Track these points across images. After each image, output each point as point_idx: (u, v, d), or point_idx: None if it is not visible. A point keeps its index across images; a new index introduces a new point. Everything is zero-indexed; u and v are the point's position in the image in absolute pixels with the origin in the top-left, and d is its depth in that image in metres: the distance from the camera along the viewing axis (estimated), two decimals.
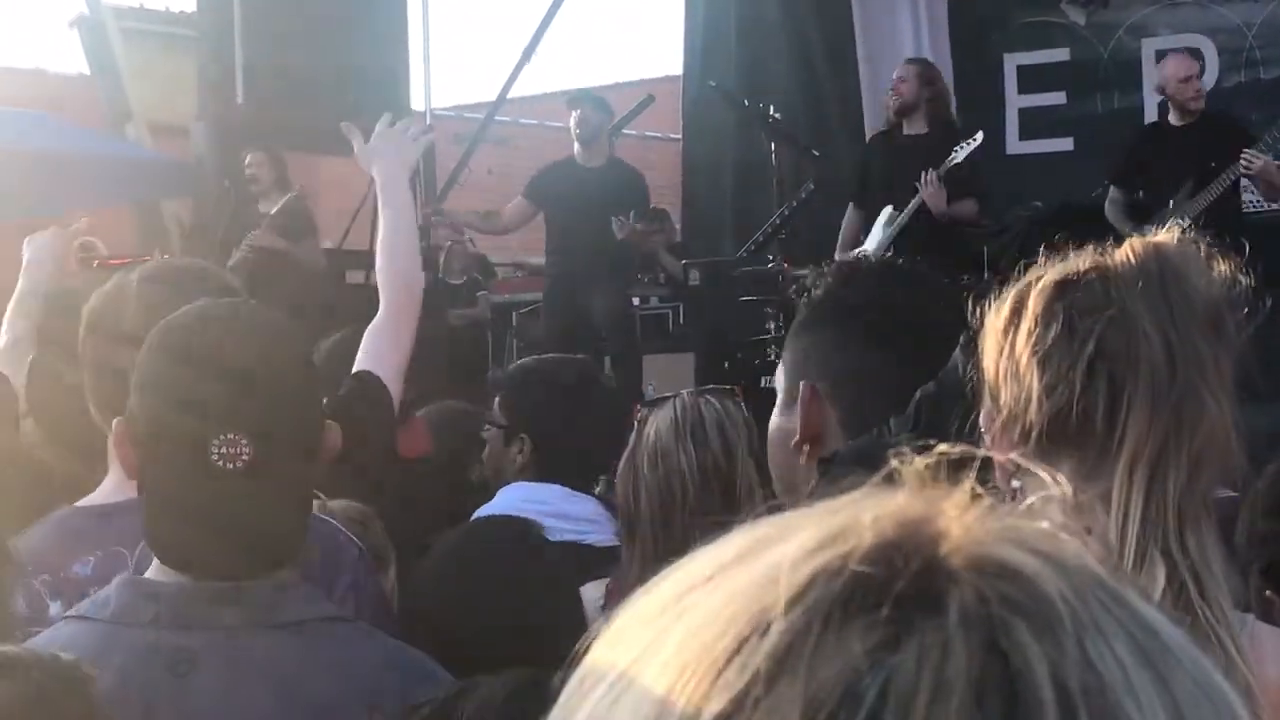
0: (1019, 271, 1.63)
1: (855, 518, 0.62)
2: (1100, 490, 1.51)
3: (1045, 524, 0.64)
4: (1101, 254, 1.58)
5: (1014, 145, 12.03)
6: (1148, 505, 1.48)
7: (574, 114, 9.73)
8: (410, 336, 3.25)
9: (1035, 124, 11.98)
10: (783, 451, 2.16)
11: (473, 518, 3.36)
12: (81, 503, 2.56)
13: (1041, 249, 1.63)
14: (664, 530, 2.83)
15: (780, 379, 2.20)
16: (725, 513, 2.76)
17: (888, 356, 2.08)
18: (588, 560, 3.20)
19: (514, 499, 3.41)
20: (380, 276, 3.31)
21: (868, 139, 9.75)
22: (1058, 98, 11.93)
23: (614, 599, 2.92)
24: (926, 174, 8.33)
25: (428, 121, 10.77)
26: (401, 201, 3.45)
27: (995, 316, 1.60)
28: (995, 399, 1.59)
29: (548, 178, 9.74)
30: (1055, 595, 0.59)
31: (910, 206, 8.46)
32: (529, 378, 3.63)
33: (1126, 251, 1.56)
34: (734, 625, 0.60)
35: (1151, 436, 1.49)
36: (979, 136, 8.68)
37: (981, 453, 0.69)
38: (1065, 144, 11.88)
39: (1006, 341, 1.58)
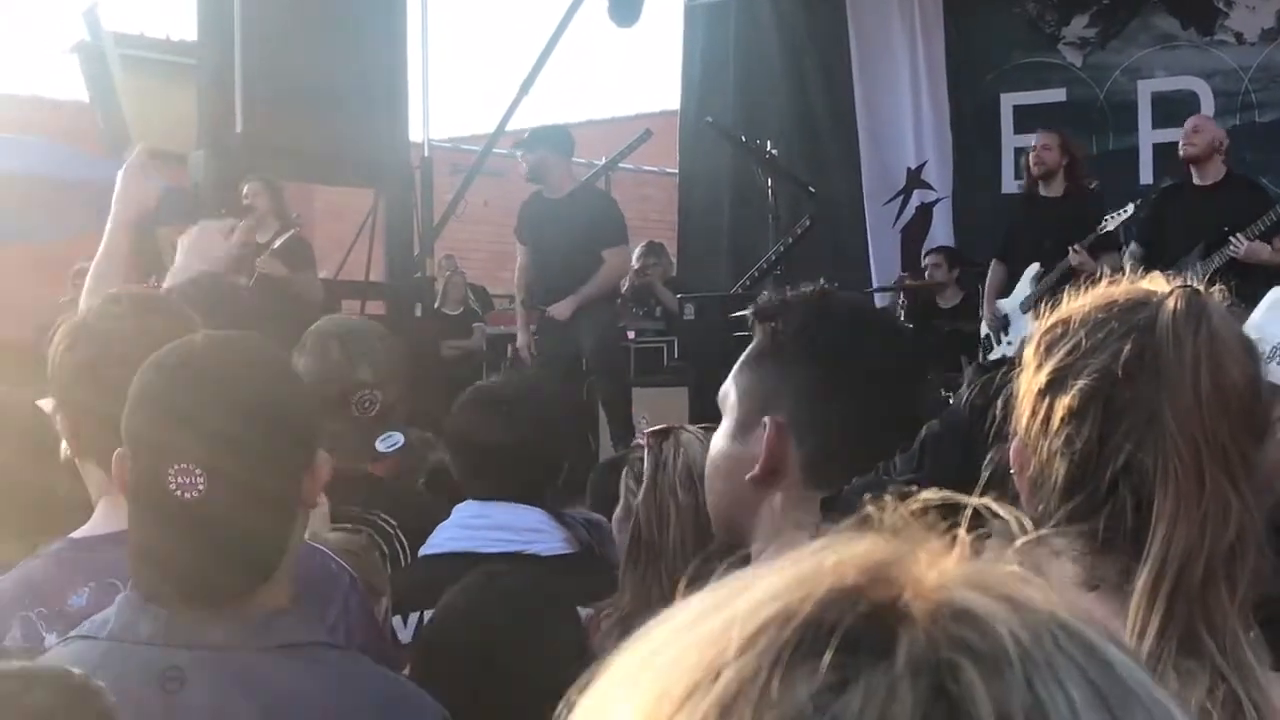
0: (1046, 306, 1.63)
1: (818, 564, 0.62)
2: (1120, 569, 1.52)
3: (1014, 568, 0.63)
4: (1143, 318, 1.54)
5: (1010, 185, 12.07)
6: (1169, 612, 1.48)
7: (521, 163, 9.70)
8: None
9: None
10: (729, 481, 2.11)
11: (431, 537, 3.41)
12: (75, 534, 2.57)
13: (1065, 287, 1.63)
14: (690, 560, 2.81)
15: (730, 402, 2.14)
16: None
17: (854, 399, 2.06)
18: (532, 569, 3.23)
19: (459, 517, 3.44)
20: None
21: (1017, 201, 10.23)
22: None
23: (603, 625, 2.92)
24: (1073, 247, 8.90)
25: (425, 154, 10.78)
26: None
27: (1032, 374, 1.59)
28: (1030, 447, 1.58)
29: (523, 217, 9.75)
30: (1007, 636, 0.59)
31: (1061, 266, 9.00)
32: (458, 401, 3.66)
33: (1169, 330, 1.53)
34: (691, 673, 0.60)
35: (1179, 548, 1.49)
36: (1130, 209, 9.12)
37: (967, 500, 0.69)
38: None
39: (1041, 409, 1.57)
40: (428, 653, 2.98)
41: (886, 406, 2.01)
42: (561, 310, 9.10)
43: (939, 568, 0.62)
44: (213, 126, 9.66)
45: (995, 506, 0.67)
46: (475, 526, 3.40)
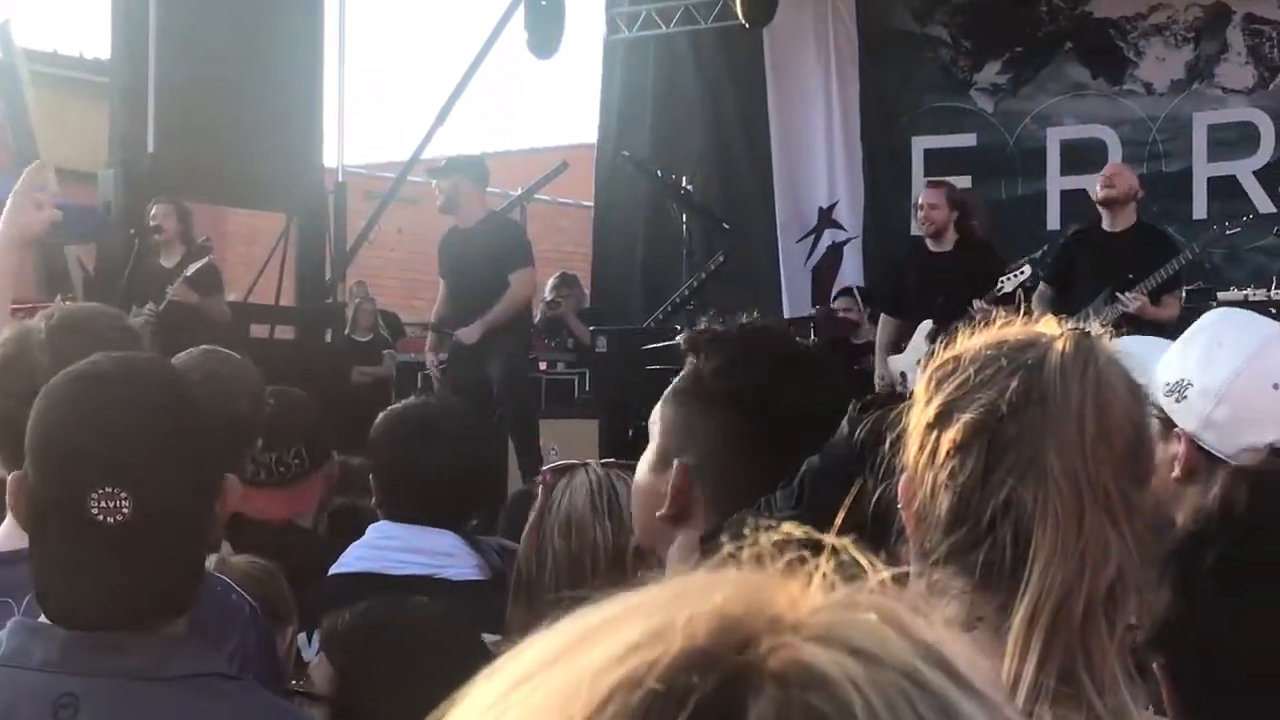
0: (940, 344, 1.64)
1: (670, 619, 0.61)
2: (998, 606, 1.53)
3: (873, 615, 0.62)
4: (1032, 357, 1.56)
5: (918, 228, 12.22)
6: (1046, 652, 1.49)
7: (436, 191, 9.62)
8: None
9: None
10: (645, 512, 2.15)
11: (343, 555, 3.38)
12: None
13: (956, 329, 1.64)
14: (570, 602, 2.81)
15: (654, 431, 2.16)
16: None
17: (765, 444, 2.07)
18: (441, 594, 3.21)
19: (371, 538, 3.42)
20: None
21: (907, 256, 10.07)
22: (964, 182, 12.14)
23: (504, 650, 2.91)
24: (973, 305, 8.64)
25: (339, 179, 10.73)
26: None
27: (921, 408, 1.60)
28: (917, 481, 1.59)
29: (440, 253, 9.71)
30: (858, 703, 0.58)
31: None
32: (379, 420, 3.64)
33: (1057, 371, 1.55)
34: None
35: (1055, 586, 1.50)
36: (1026, 270, 9.09)
37: (828, 539, 0.67)
38: None
39: (929, 443, 1.58)
40: (339, 677, 2.95)
41: (798, 458, 2.01)
42: (469, 335, 9.06)
43: (795, 615, 0.61)
44: (124, 145, 9.58)
45: (851, 548, 0.66)
46: (386, 547, 3.38)
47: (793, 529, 0.67)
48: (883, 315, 9.72)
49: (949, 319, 8.71)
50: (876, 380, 9.24)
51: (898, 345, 9.41)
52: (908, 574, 1.53)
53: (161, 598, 2.03)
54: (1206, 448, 2.47)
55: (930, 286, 9.11)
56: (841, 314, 11.56)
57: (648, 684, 0.58)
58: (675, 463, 2.06)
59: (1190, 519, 1.84)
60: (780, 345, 2.21)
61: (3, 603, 2.33)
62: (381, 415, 3.67)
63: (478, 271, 9.10)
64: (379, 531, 3.44)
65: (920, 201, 9.49)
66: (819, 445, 2.01)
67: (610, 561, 2.79)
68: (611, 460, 3.05)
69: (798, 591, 0.62)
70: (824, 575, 0.63)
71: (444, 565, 3.35)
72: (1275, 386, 2.47)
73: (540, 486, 2.98)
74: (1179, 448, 2.49)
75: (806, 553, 0.65)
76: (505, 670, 0.64)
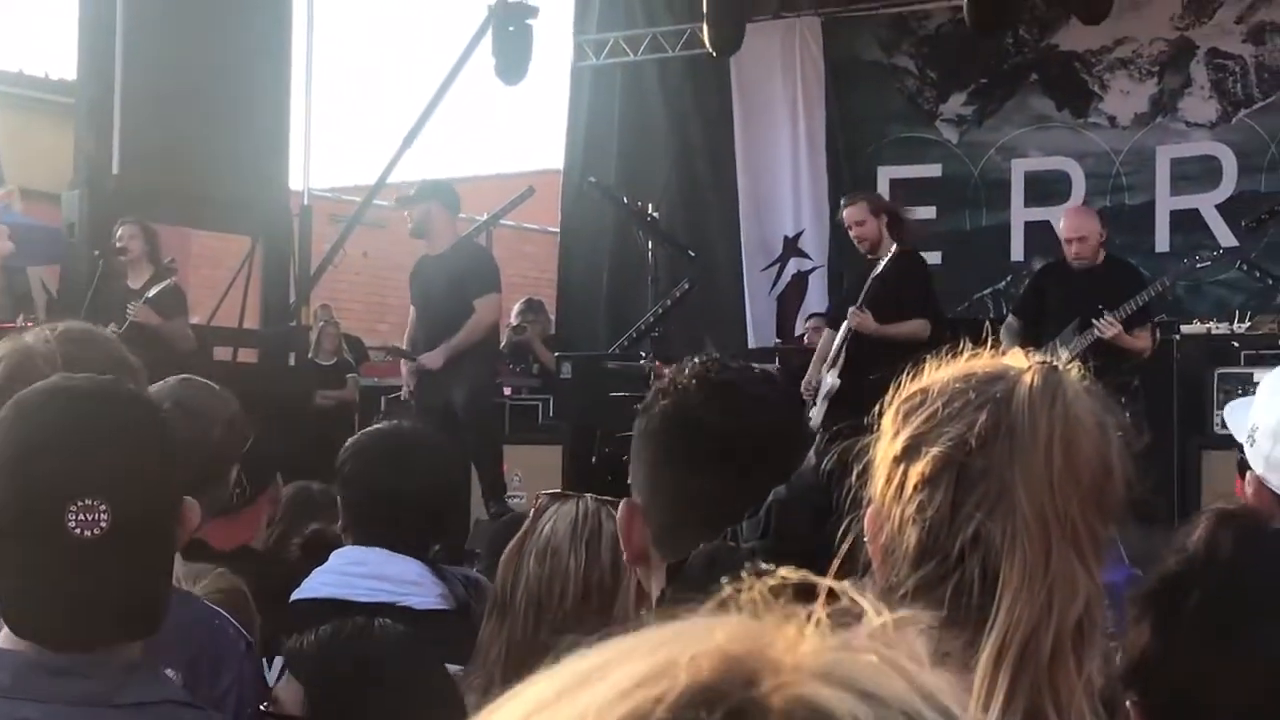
0: (907, 376, 1.63)
1: (673, 657, 0.61)
2: (964, 642, 1.52)
3: (871, 656, 0.63)
4: (1000, 390, 1.56)
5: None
6: (1014, 689, 1.48)
7: (405, 216, 9.64)
8: None
9: None
10: (623, 547, 2.20)
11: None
12: None
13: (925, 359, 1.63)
14: (534, 628, 2.82)
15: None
16: (597, 628, 2.78)
17: (707, 478, 2.07)
18: (405, 622, 3.20)
19: (336, 563, 3.41)
20: None
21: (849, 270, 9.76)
22: (928, 212, 12.20)
23: (471, 678, 2.91)
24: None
25: (305, 202, 10.70)
26: None
27: (888, 442, 1.59)
28: (884, 514, 1.59)
29: (411, 278, 9.72)
30: None
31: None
32: (348, 445, 3.63)
33: (1025, 404, 1.55)
34: None
35: (1022, 621, 1.50)
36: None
37: (825, 582, 0.68)
38: (933, 258, 12.11)
39: (896, 476, 1.57)
40: (308, 697, 2.94)
41: (736, 481, 2.02)
42: (432, 360, 9.04)
43: (796, 656, 0.61)
44: (89, 166, 9.53)
45: (853, 592, 0.66)
46: (351, 574, 3.36)
47: (790, 574, 0.67)
48: (825, 330, 9.40)
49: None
50: (803, 386, 8.93)
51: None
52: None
53: (130, 617, 2.02)
54: (1270, 488, 2.49)
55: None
56: (808, 335, 11.55)
57: (655, 718, 0.58)
58: (622, 501, 2.09)
59: (1173, 560, 1.84)
60: (720, 379, 2.20)
61: None
62: (350, 441, 3.66)
63: (444, 297, 9.09)
64: (345, 558, 3.43)
65: (846, 222, 9.05)
66: (757, 466, 2.02)
67: (580, 592, 2.80)
68: (606, 498, 3.06)
69: (796, 633, 0.62)
70: (821, 618, 0.64)
71: (409, 593, 3.35)
72: None
73: (533, 510, 2.99)
74: (1250, 490, 2.52)
75: (797, 593, 0.65)
76: (506, 709, 0.64)
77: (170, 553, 2.12)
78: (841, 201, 9.43)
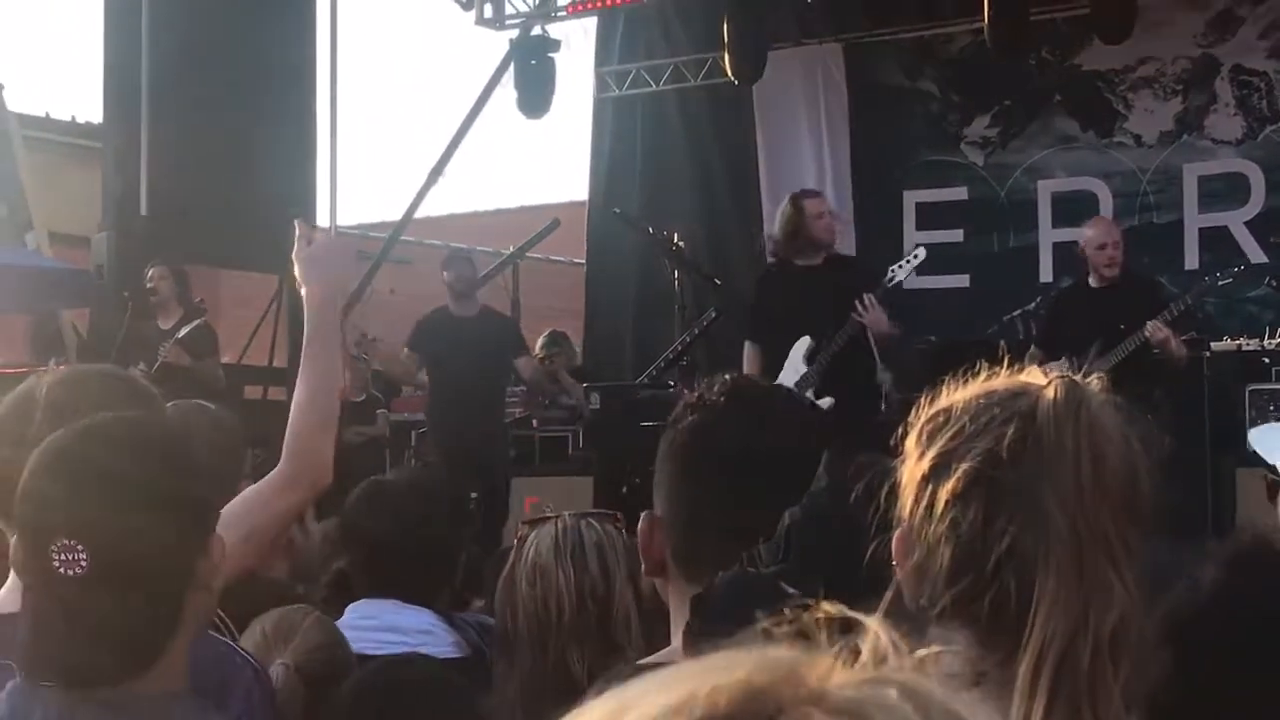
0: (926, 399, 1.63)
1: (694, 691, 0.61)
2: (1001, 659, 1.52)
3: (894, 692, 0.62)
4: (1024, 404, 1.56)
5: (911, 280, 12.23)
6: (1053, 700, 1.48)
7: (447, 274, 9.97)
8: (291, 507, 2.98)
9: (932, 260, 12.22)
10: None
11: None
12: None
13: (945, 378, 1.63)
14: (541, 651, 2.83)
15: None
16: (601, 636, 2.79)
17: (728, 493, 2.08)
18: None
19: (350, 618, 3.42)
20: (290, 428, 2.97)
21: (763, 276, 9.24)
22: (955, 235, 12.17)
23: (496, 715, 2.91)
24: (864, 300, 8.15)
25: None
26: (325, 343, 3.04)
27: (914, 463, 1.60)
28: (915, 534, 1.58)
29: (427, 331, 9.86)
30: None
31: (846, 331, 8.25)
32: (357, 496, 3.64)
33: (1049, 417, 1.55)
34: None
35: (1059, 633, 1.50)
36: (920, 253, 8.69)
37: (859, 617, 0.68)
38: (962, 280, 12.10)
39: (925, 496, 1.57)
40: None
41: (756, 499, 2.03)
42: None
43: (821, 689, 0.61)
44: (117, 209, 9.60)
45: (884, 630, 0.65)
46: (365, 628, 3.37)
47: (829, 608, 0.66)
48: (747, 344, 8.71)
49: (824, 335, 8.32)
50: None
51: (771, 373, 8.28)
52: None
53: (123, 653, 2.03)
54: None
55: (795, 307, 8.45)
56: None
57: None
58: (643, 514, 2.10)
59: (1198, 588, 1.83)
60: (735, 397, 2.21)
61: (4, 665, 2.33)
62: (352, 494, 3.67)
63: (477, 361, 9.51)
64: (358, 612, 3.45)
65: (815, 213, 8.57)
66: (774, 483, 2.03)
67: (575, 605, 2.83)
68: (586, 511, 3.10)
69: (823, 666, 0.62)
70: (851, 651, 0.63)
71: (423, 643, 3.36)
72: None
73: (517, 540, 3.01)
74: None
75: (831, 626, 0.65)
76: None
77: (176, 587, 2.10)
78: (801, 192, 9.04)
